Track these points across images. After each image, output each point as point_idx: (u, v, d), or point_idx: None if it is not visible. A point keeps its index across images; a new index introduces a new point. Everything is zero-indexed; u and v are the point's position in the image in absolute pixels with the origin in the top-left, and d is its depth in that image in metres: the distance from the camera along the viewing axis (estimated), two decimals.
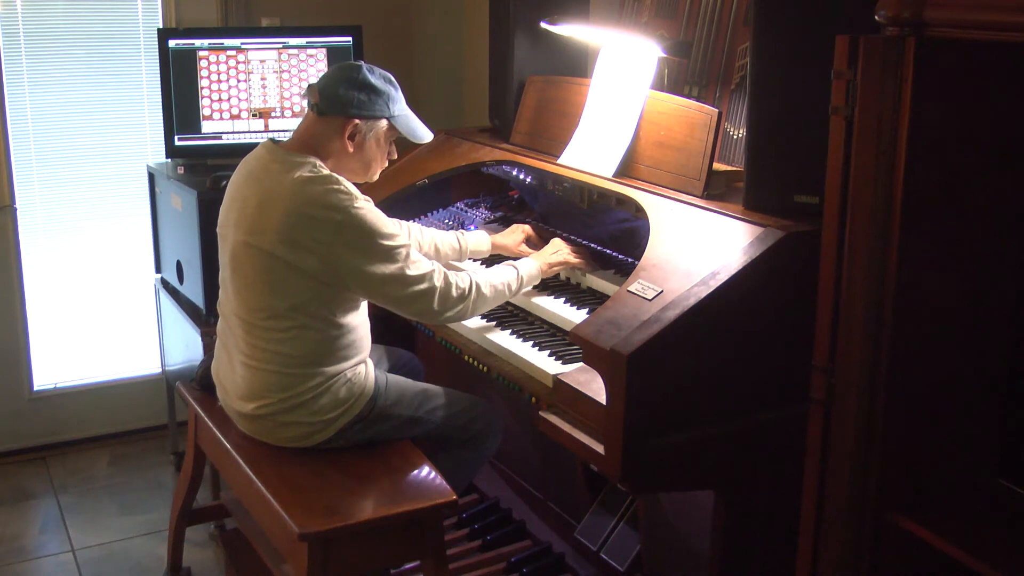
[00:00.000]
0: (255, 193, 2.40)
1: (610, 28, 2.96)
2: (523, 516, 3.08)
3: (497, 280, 2.52)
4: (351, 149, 2.45)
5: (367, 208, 2.35)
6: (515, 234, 2.85)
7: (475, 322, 2.57)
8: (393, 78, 2.51)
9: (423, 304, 2.40)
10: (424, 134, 2.58)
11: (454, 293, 2.42)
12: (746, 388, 2.07)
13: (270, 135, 2.99)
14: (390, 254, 2.35)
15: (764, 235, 2.09)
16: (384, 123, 2.48)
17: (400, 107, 2.51)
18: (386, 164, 2.56)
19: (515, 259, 2.65)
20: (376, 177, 2.56)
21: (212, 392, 2.64)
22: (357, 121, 2.43)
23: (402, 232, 2.43)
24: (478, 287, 2.47)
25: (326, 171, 2.38)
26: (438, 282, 2.40)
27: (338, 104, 2.42)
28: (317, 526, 2.19)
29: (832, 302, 1.83)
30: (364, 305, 2.50)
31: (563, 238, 2.76)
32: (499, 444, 2.70)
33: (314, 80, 2.84)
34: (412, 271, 2.37)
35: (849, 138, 1.75)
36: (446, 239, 2.79)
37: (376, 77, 2.46)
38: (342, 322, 2.42)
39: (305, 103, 2.51)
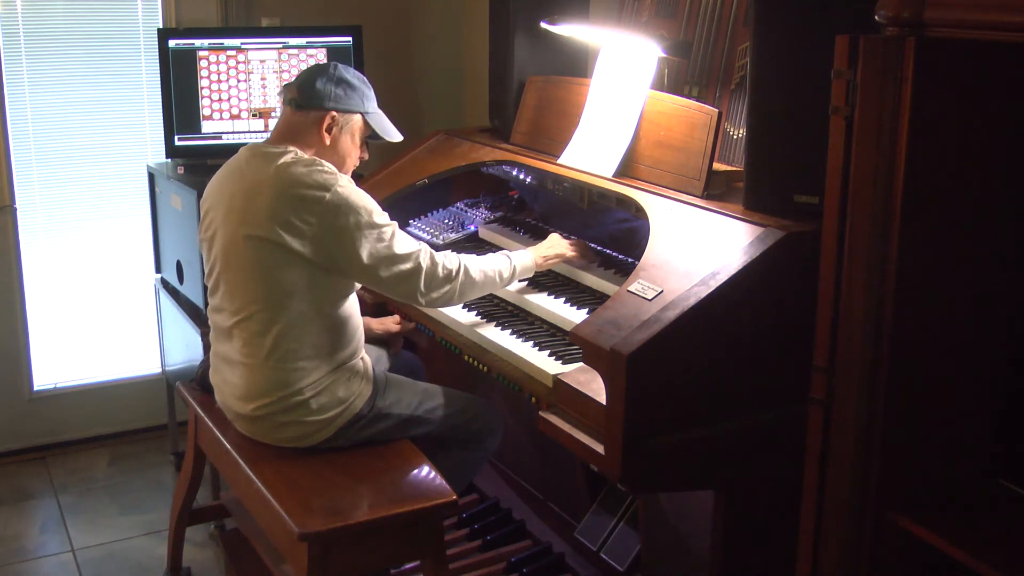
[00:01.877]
0: (240, 187, 2.42)
1: (610, 28, 2.96)
2: (523, 516, 3.08)
3: (488, 267, 2.53)
4: (327, 142, 2.49)
5: (351, 186, 2.39)
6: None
7: (475, 322, 2.57)
8: (366, 80, 2.57)
9: (411, 284, 2.42)
10: (395, 134, 2.62)
11: (440, 273, 2.44)
12: (746, 388, 2.07)
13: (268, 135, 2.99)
14: (377, 232, 2.37)
15: (764, 235, 2.09)
16: (359, 118, 2.54)
17: (373, 106, 2.57)
18: (358, 163, 2.60)
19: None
20: (349, 174, 2.56)
21: (212, 392, 2.64)
22: (334, 113, 2.48)
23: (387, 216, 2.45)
24: (467, 270, 2.48)
25: (307, 155, 2.42)
26: (424, 262, 2.42)
27: (315, 97, 2.47)
28: (317, 526, 2.19)
29: (832, 302, 1.83)
30: (354, 298, 2.51)
31: (560, 234, 2.76)
32: (499, 444, 2.70)
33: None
34: (399, 249, 2.40)
35: (849, 138, 1.75)
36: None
37: (351, 75, 2.53)
38: (335, 313, 2.43)
39: (280, 102, 2.56)
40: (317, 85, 2.47)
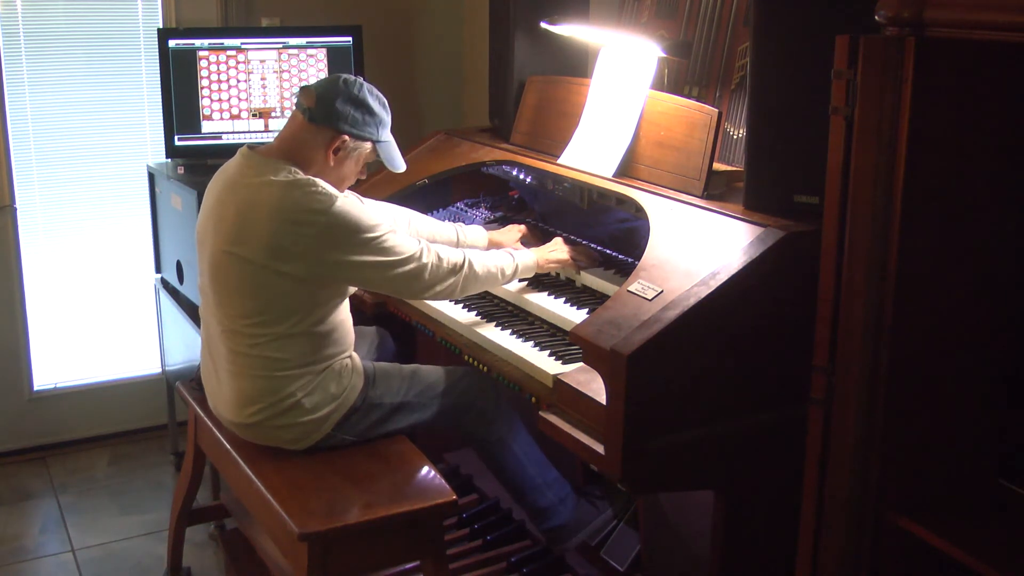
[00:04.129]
0: (233, 202, 2.39)
1: (610, 28, 2.96)
2: (523, 516, 3.08)
3: (491, 262, 2.54)
4: (332, 163, 2.44)
5: (347, 204, 2.36)
6: (511, 232, 2.87)
7: (475, 321, 2.57)
8: (387, 103, 2.52)
9: (415, 282, 2.42)
10: (401, 164, 2.59)
11: (445, 266, 2.45)
12: (746, 388, 2.07)
13: (269, 135, 2.99)
14: (376, 243, 2.36)
15: (764, 235, 2.09)
16: (369, 145, 2.49)
17: (387, 134, 2.52)
18: (353, 183, 2.56)
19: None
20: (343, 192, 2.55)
21: None
22: (346, 137, 2.43)
23: (386, 218, 2.45)
24: (471, 263, 2.49)
25: (303, 175, 2.37)
26: (427, 259, 2.42)
27: (333, 116, 2.41)
28: (317, 526, 2.19)
29: (832, 302, 1.83)
30: (347, 301, 2.51)
31: (565, 239, 2.77)
32: (503, 402, 2.64)
33: (311, 81, 2.81)
34: (400, 253, 2.39)
35: (849, 138, 1.75)
36: (444, 231, 2.81)
37: (374, 99, 2.47)
38: (327, 322, 2.42)
39: (295, 102, 2.50)
40: (337, 104, 2.40)
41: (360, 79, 2.48)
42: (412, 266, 2.41)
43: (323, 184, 2.37)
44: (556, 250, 2.67)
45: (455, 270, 2.46)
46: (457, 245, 2.79)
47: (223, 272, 2.40)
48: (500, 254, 2.59)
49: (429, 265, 2.42)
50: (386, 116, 2.51)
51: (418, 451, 2.50)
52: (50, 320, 3.83)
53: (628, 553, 2.69)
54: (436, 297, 2.50)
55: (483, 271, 2.52)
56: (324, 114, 2.41)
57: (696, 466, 2.06)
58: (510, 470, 2.64)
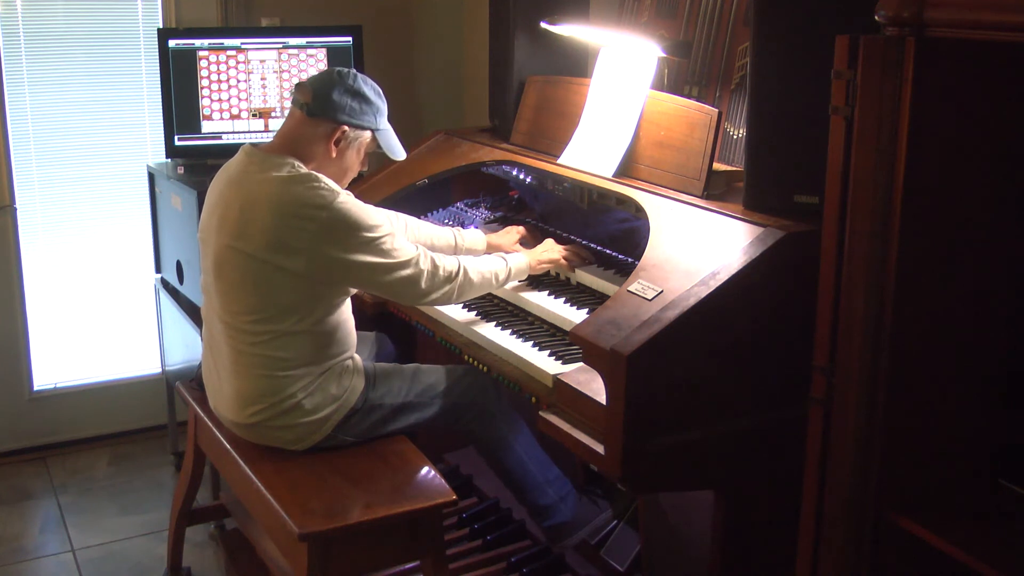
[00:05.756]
0: (236, 197, 2.40)
1: (610, 28, 2.96)
2: (523, 516, 3.08)
3: (485, 268, 2.55)
4: (334, 154, 2.46)
5: (349, 201, 2.36)
6: (510, 234, 2.87)
7: (475, 321, 2.57)
8: (382, 92, 2.53)
9: (412, 288, 2.43)
10: (400, 152, 2.61)
11: (441, 274, 2.45)
12: (746, 388, 2.07)
13: (269, 135, 3.00)
14: (375, 244, 2.36)
15: (764, 235, 2.09)
16: (368, 134, 2.51)
17: (384, 122, 2.54)
18: (355, 175, 2.57)
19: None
20: (347, 185, 2.55)
21: None
22: (345, 128, 2.45)
23: (386, 221, 2.46)
24: (465, 271, 2.50)
25: (305, 170, 2.39)
26: (424, 265, 2.43)
27: (331, 108, 2.43)
28: (317, 526, 2.19)
29: (832, 302, 1.83)
30: (348, 302, 2.51)
31: (556, 238, 2.77)
32: (504, 400, 2.65)
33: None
34: (398, 257, 2.39)
35: (849, 138, 1.75)
36: (442, 235, 2.81)
37: (369, 88, 2.49)
38: (328, 321, 2.42)
39: (291, 100, 2.50)
40: (334, 96, 2.42)
41: (354, 70, 2.50)
42: (409, 271, 2.41)
43: (325, 180, 2.37)
44: (548, 250, 2.68)
45: (451, 278, 2.47)
46: (455, 249, 2.79)
47: (227, 268, 2.40)
48: (493, 259, 2.60)
49: (426, 272, 2.43)
50: (383, 105, 2.53)
51: (418, 451, 2.50)
52: (50, 320, 3.83)
53: (628, 553, 2.69)
54: (431, 304, 2.51)
55: (478, 278, 2.52)
56: (322, 107, 2.42)
57: (696, 466, 2.06)
58: (511, 468, 2.64)
